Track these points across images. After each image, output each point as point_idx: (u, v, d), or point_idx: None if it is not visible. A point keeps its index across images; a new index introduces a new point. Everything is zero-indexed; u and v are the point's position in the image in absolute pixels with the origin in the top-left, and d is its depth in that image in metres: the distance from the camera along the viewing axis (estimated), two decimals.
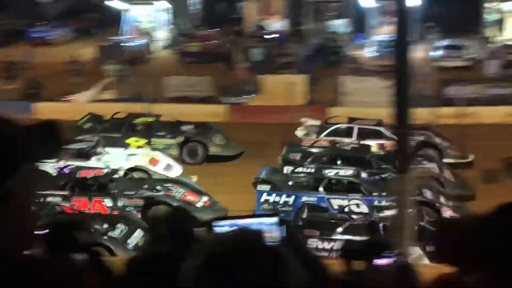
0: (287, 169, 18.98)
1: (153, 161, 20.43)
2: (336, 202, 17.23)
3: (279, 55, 33.67)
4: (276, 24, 40.04)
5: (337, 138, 21.55)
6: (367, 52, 35.55)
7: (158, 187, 17.79)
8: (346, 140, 21.32)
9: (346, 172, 18.27)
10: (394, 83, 12.74)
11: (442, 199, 17.02)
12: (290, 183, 17.94)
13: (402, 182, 12.31)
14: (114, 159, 19.95)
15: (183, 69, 33.60)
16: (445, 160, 20.70)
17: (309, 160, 19.53)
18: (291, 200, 17.49)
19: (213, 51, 36.19)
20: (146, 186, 17.84)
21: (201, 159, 22.31)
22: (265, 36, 37.59)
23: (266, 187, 17.71)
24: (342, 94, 27.37)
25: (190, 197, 17.64)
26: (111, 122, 23.27)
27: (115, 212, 16.56)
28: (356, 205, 17.06)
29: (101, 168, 18.88)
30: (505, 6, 38.50)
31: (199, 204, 17.42)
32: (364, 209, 16.82)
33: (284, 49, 34.58)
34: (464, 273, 2.17)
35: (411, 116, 12.52)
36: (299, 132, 22.78)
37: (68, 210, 16.09)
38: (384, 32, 34.27)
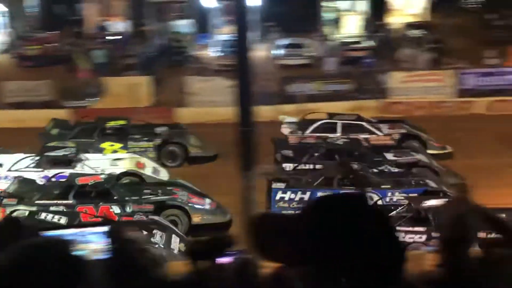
0: (288, 166, 18.79)
1: (140, 165, 19.71)
2: None
3: (122, 56, 33.14)
4: (118, 25, 39.39)
5: (323, 134, 21.49)
6: (211, 52, 35.83)
7: (160, 191, 16.99)
8: (331, 135, 21.30)
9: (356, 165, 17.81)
10: (236, 82, 12.84)
11: (444, 188, 17.03)
12: (303, 180, 17.48)
13: (247, 180, 12.42)
14: (100, 164, 19.21)
15: (22, 73, 32.28)
16: (429, 151, 21.00)
17: (306, 156, 19.23)
18: (306, 196, 17.18)
19: (53, 54, 35.03)
20: (148, 191, 16.96)
21: (181, 161, 21.74)
22: (107, 38, 36.91)
23: (281, 185, 17.43)
24: (188, 94, 27.40)
25: (195, 200, 16.92)
26: (81, 127, 22.05)
27: (124, 219, 15.52)
28: (370, 198, 16.69)
29: (99, 174, 17.71)
30: (341, 4, 40.17)
31: (206, 207, 16.83)
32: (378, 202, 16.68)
33: (127, 50, 34.09)
34: (289, 268, 2.19)
35: (254, 114, 12.66)
36: (285, 130, 22.57)
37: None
38: (227, 32, 34.66)
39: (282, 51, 34.55)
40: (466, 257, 2.69)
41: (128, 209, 16.16)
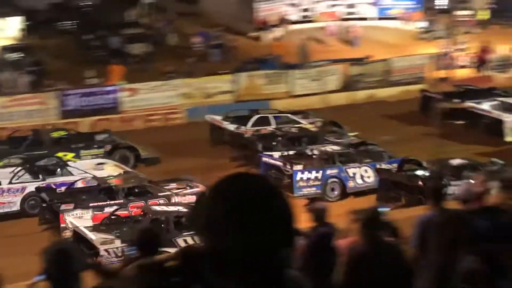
0: (276, 154, 21.73)
1: (120, 168, 21.04)
2: (351, 170, 20.83)
3: None
4: None
5: (261, 127, 24.50)
6: None
7: (174, 185, 19.09)
8: (269, 127, 24.56)
9: (334, 147, 21.88)
10: None
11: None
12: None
13: None
14: (86, 170, 20.39)
15: None
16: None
17: (278, 144, 22.51)
18: (319, 175, 20.56)
19: None
20: (169, 186, 18.94)
21: (133, 164, 22.50)
22: None
23: (300, 167, 20.54)
24: None
25: None
26: (30, 140, 22.59)
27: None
28: (365, 170, 20.90)
29: (118, 176, 19.53)
30: None
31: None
32: (371, 173, 20.77)
33: None
34: None
35: None
36: (231, 126, 24.82)
37: (124, 215, 17.08)
38: None
39: None
40: None
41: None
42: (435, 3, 42.66)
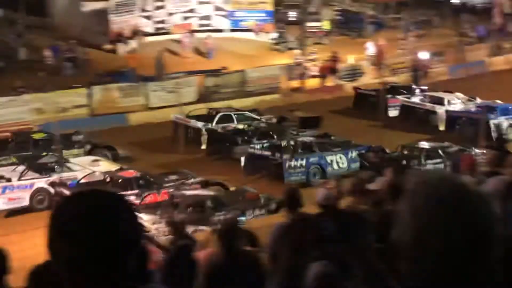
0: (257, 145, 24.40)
1: (114, 164, 23.03)
2: (329, 158, 23.72)
3: None
4: None
5: (226, 124, 26.87)
6: None
7: (175, 177, 21.31)
8: (232, 124, 26.96)
9: (308, 138, 24.81)
10: None
11: None
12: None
13: None
14: (84, 166, 22.09)
15: None
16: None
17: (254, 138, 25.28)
18: (304, 162, 23.17)
19: None
20: (173, 178, 21.18)
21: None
22: None
23: (288, 156, 22.92)
24: None
25: None
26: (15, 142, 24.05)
27: None
28: (340, 157, 23.81)
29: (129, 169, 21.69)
30: None
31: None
32: (344, 160, 23.75)
33: None
34: None
35: None
36: (199, 123, 26.93)
37: (154, 201, 19.35)
38: None
39: None
40: None
41: None
42: (286, 15, 43.91)
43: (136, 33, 39.05)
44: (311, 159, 23.38)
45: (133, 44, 38.72)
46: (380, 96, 30.57)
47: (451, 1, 49.21)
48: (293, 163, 22.94)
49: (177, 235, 8.06)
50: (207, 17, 42.06)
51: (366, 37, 41.92)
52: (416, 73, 36.48)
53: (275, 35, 41.91)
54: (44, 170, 21.77)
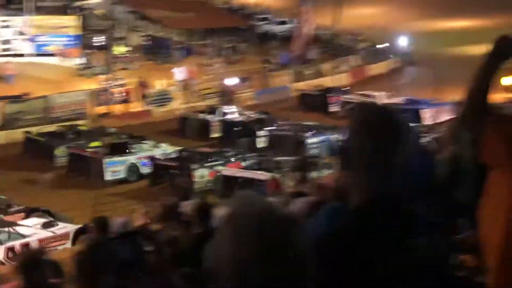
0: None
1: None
2: None
3: None
4: None
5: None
6: None
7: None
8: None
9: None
10: None
11: None
12: None
13: None
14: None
15: None
16: None
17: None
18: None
19: None
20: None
21: None
22: None
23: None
24: None
25: None
26: None
27: None
28: None
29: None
30: None
31: None
32: None
33: None
34: None
35: None
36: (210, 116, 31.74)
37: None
38: None
39: None
40: None
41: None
42: (93, 40, 43.10)
43: None
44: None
45: None
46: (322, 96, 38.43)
47: (254, 29, 50.82)
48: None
49: None
50: (8, 41, 40.28)
51: (174, 62, 42.20)
52: (224, 98, 37.30)
53: (81, 60, 40.96)
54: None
